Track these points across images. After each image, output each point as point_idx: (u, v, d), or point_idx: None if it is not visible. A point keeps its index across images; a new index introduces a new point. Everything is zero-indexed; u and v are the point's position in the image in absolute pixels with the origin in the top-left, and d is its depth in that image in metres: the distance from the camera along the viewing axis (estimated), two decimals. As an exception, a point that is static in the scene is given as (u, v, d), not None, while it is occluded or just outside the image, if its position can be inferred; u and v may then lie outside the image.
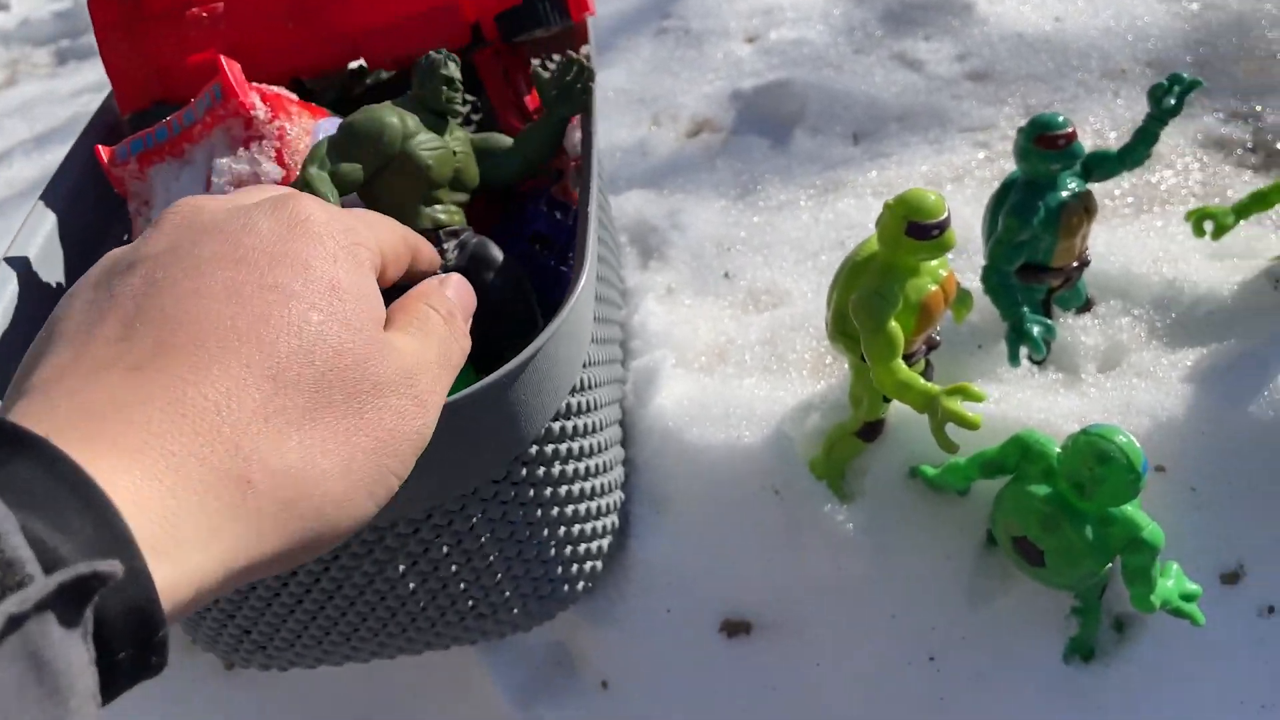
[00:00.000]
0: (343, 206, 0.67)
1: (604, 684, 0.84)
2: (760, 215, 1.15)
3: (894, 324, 0.69)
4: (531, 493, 0.70)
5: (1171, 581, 0.70)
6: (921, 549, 0.78)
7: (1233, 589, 0.77)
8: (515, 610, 0.79)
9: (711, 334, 0.95)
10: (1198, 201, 1.05)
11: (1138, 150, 0.82)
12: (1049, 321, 0.81)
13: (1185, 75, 0.79)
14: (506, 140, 0.81)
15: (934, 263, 0.73)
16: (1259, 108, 1.22)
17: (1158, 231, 0.96)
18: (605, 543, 0.82)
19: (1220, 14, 1.33)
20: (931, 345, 0.76)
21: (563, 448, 0.71)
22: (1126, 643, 0.77)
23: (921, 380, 0.67)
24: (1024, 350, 0.79)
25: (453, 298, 0.43)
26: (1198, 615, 0.70)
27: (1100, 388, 0.79)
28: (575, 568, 0.79)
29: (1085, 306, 0.89)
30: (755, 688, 0.81)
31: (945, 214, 0.68)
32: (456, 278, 0.45)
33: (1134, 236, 0.94)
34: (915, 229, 0.68)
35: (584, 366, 0.72)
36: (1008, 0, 1.37)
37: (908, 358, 0.75)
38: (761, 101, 1.35)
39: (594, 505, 0.78)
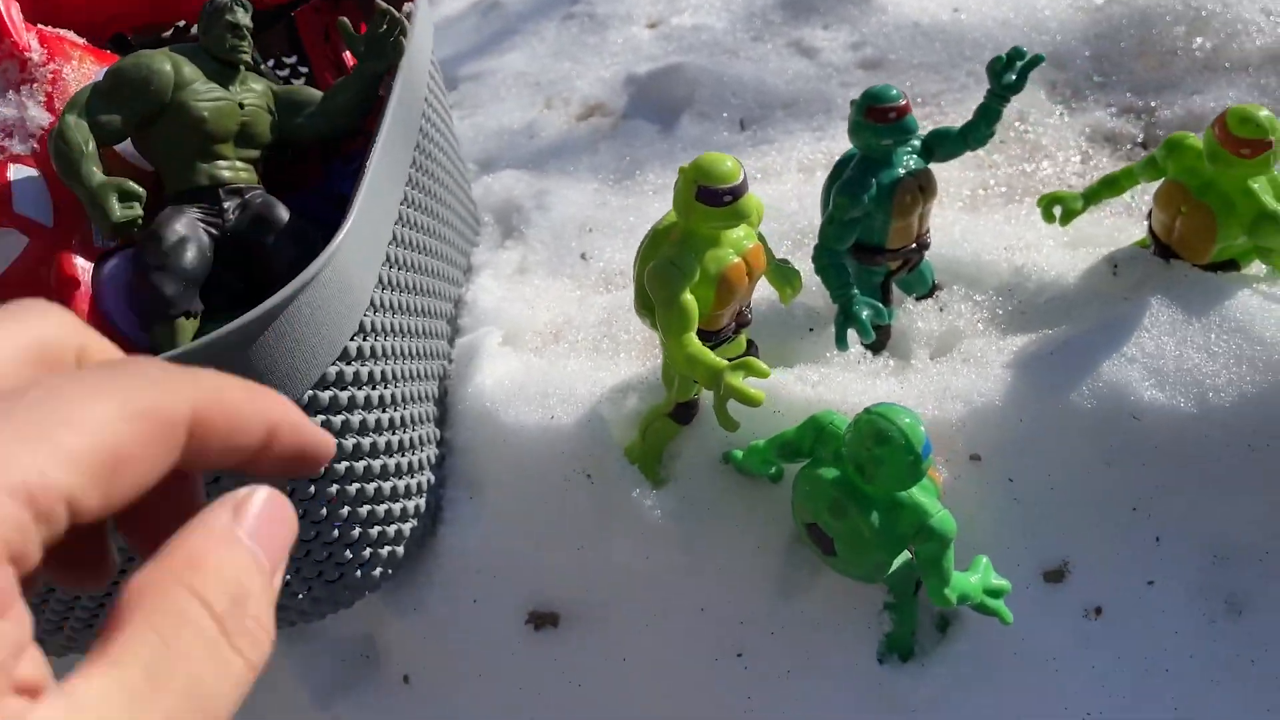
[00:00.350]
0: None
1: (405, 678, 0.79)
2: (631, 199, 1.11)
3: (688, 296, 0.65)
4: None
5: (977, 576, 0.65)
6: (732, 539, 0.73)
7: (1057, 588, 0.73)
8: (301, 596, 0.74)
9: (551, 314, 0.91)
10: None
11: (980, 128, 0.78)
12: (879, 305, 0.77)
13: (1025, 50, 0.75)
14: (315, 95, 0.76)
15: (739, 233, 0.68)
16: (1154, 104, 1.19)
17: (1020, 220, 0.92)
18: (408, 527, 0.77)
19: (1123, 8, 1.30)
20: (742, 322, 0.72)
21: (336, 420, 0.67)
22: (948, 643, 0.73)
23: (711, 355, 0.63)
24: (856, 335, 0.75)
25: (244, 560, 0.25)
26: (1004, 612, 0.66)
27: (925, 374, 0.75)
28: (370, 552, 0.74)
29: (930, 292, 0.85)
30: (560, 683, 0.77)
31: (739, 180, 0.64)
32: (262, 499, 0.26)
33: (994, 224, 0.90)
34: (705, 194, 0.64)
35: (366, 334, 0.68)
36: (912, -8, 1.33)
37: (716, 335, 0.71)
38: (654, 86, 1.32)
39: (391, 485, 0.74)
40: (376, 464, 0.72)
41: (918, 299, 0.84)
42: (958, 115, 1.15)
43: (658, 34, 1.42)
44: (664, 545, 0.74)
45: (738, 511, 0.73)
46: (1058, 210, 0.83)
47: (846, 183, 0.76)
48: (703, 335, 0.70)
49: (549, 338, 0.88)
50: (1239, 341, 0.70)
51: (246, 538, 0.26)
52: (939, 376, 0.73)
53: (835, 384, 0.73)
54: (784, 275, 0.77)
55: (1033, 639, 0.72)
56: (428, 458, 0.80)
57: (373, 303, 0.69)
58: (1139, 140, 1.15)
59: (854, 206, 0.76)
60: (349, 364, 0.67)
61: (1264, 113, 0.71)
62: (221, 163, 0.71)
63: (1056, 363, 0.71)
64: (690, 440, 0.75)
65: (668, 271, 0.65)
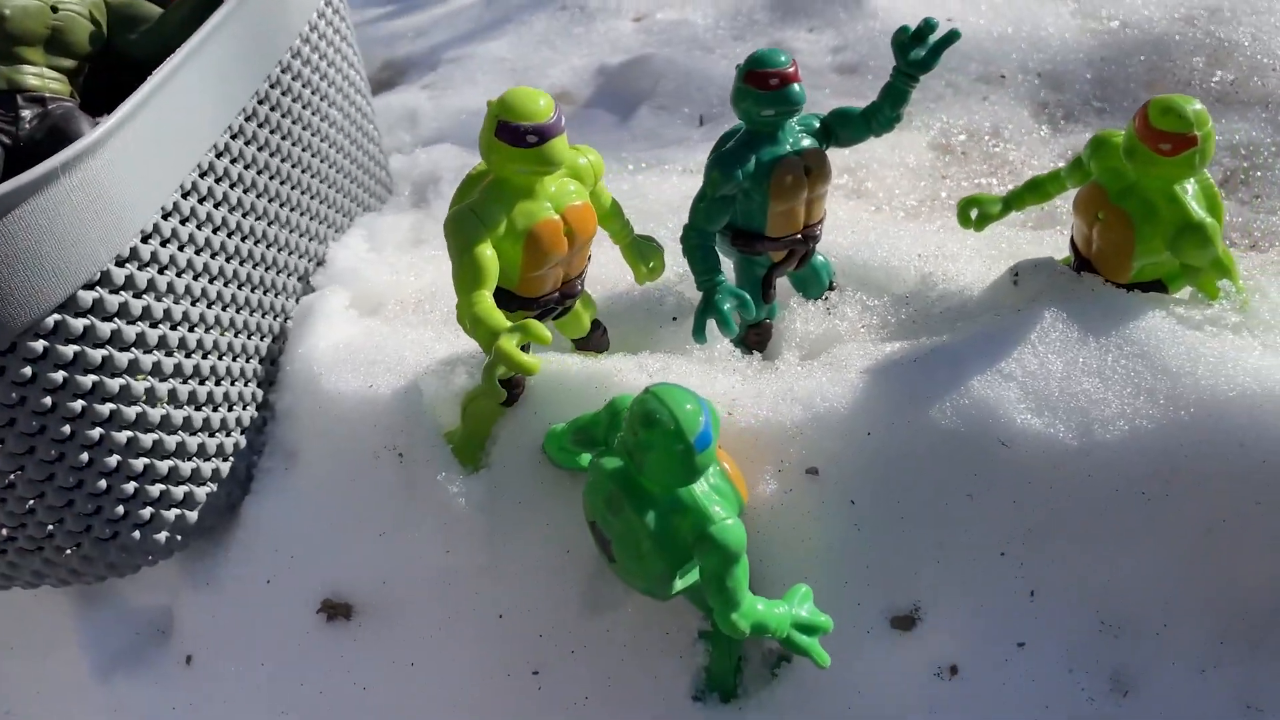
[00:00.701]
0: None
1: (188, 659, 0.72)
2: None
3: (486, 250, 0.57)
4: (50, 398, 0.59)
5: (784, 607, 0.55)
6: (541, 540, 0.65)
7: (905, 638, 0.62)
8: (68, 551, 0.67)
9: (420, 283, 0.83)
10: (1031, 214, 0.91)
11: (884, 110, 0.69)
12: (746, 296, 0.68)
13: (935, 20, 0.66)
14: (154, 11, 0.70)
15: (568, 188, 0.60)
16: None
17: (949, 230, 0.82)
18: (205, 492, 0.70)
19: (1138, 33, 1.19)
20: (569, 293, 0.63)
21: (95, 353, 0.60)
22: (775, 686, 0.63)
23: (498, 318, 0.55)
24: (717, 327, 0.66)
25: None
26: (818, 653, 0.56)
27: (775, 374, 0.65)
28: (151, 512, 0.67)
29: (824, 294, 0.76)
30: (344, 683, 0.68)
31: (548, 120, 0.56)
32: None
33: (914, 231, 0.81)
34: (506, 131, 0.56)
35: (143, 264, 0.61)
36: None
37: (535, 303, 0.62)
38: (621, 78, 1.25)
39: (179, 441, 0.67)
40: (155, 413, 0.64)
41: (811, 300, 0.75)
42: (926, 125, 1.06)
43: (640, 27, 1.35)
44: (467, 539, 0.66)
45: (550, 508, 0.65)
46: (974, 213, 0.73)
47: (721, 156, 0.68)
48: (517, 301, 0.62)
49: (409, 306, 0.81)
50: (1140, 368, 0.60)
51: None
52: (788, 377, 0.64)
53: (675, 374, 0.64)
54: (640, 251, 0.69)
55: (873, 695, 0.62)
56: (239, 419, 0.72)
57: (156, 230, 0.62)
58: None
59: (726, 182, 0.67)
60: (113, 293, 0.60)
61: (1194, 105, 0.60)
62: (27, 68, 0.65)
63: (920, 372, 0.61)
64: (511, 424, 0.66)
65: (465, 219, 0.57)
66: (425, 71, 1.45)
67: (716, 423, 0.51)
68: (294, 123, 0.78)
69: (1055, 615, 0.62)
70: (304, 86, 0.79)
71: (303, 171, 0.79)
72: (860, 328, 0.69)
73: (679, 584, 0.55)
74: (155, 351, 0.64)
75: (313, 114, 0.81)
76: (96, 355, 0.60)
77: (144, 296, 0.62)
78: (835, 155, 0.99)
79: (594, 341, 0.70)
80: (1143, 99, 1.13)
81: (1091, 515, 0.60)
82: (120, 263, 0.60)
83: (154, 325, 0.63)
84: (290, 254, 0.78)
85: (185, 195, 0.65)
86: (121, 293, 0.60)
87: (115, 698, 0.72)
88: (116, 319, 0.60)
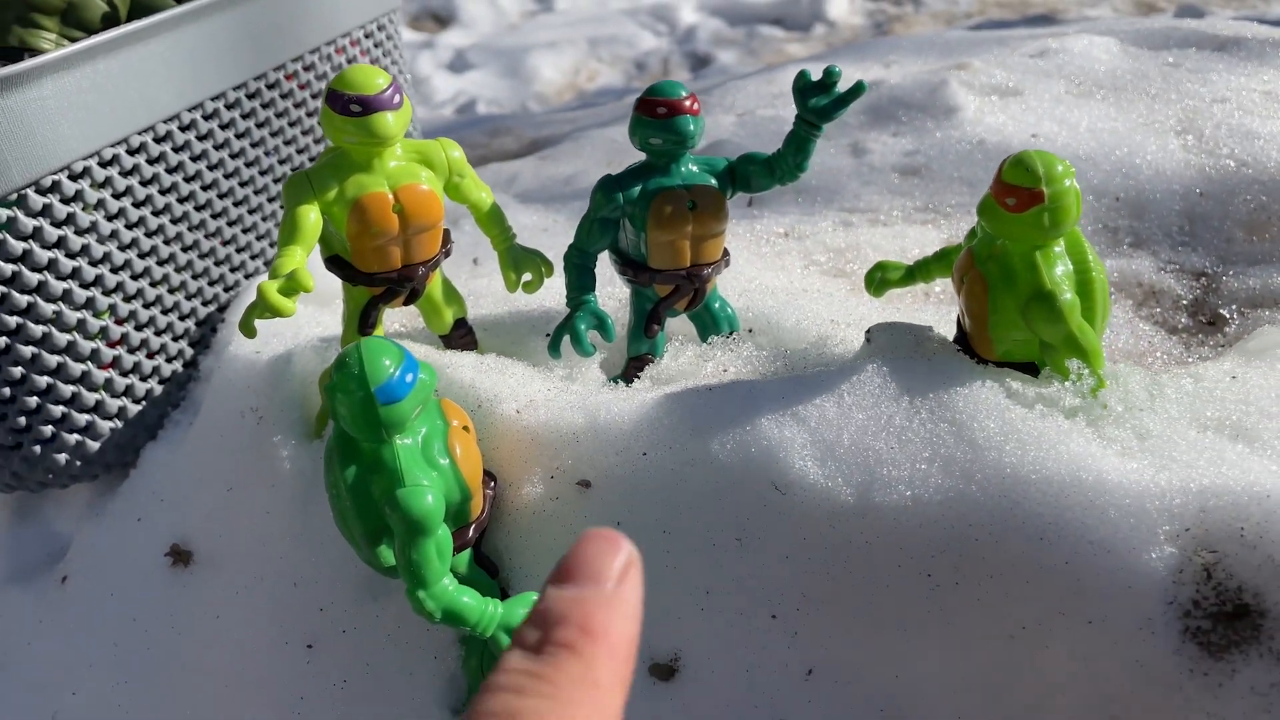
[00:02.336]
0: None
1: (64, 579, 0.77)
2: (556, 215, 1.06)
3: (310, 212, 0.61)
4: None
5: (495, 607, 0.53)
6: (344, 514, 0.65)
7: (664, 688, 0.57)
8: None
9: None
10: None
11: (786, 158, 0.68)
12: (608, 319, 0.67)
13: (838, 69, 0.65)
14: (168, 3, 0.81)
15: (406, 170, 0.63)
16: (1230, 272, 0.98)
17: (886, 305, 0.78)
18: (109, 426, 0.76)
19: (1253, 173, 1.08)
20: (408, 276, 0.65)
21: (5, 266, 0.67)
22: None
23: (283, 264, 0.58)
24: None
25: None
26: None
27: (579, 384, 0.64)
28: (52, 431, 0.74)
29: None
30: (166, 625, 0.71)
31: (374, 93, 0.59)
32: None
33: (839, 298, 0.77)
34: (332, 97, 0.60)
35: (66, 199, 0.69)
36: (1000, 113, 1.20)
37: (371, 279, 0.65)
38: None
39: (83, 370, 0.73)
40: (62, 338, 0.71)
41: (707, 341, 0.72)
42: (957, 228, 1.01)
43: (740, 121, 1.37)
44: (286, 504, 0.67)
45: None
46: (878, 278, 0.69)
47: (607, 179, 0.68)
48: (360, 276, 0.65)
49: (337, 293, 0.85)
50: (944, 435, 0.53)
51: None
52: (586, 390, 0.62)
53: (497, 376, 0.64)
54: (514, 260, 0.70)
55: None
56: (159, 370, 0.78)
57: (87, 172, 0.70)
58: (1183, 301, 0.95)
59: (607, 204, 0.68)
60: (30, 216, 0.67)
61: (1060, 166, 0.55)
62: (43, 33, 0.76)
63: (710, 402, 0.57)
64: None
65: (296, 182, 0.61)
66: (543, 145, 1.53)
67: (424, 388, 0.50)
68: (278, 116, 0.85)
69: (831, 702, 0.55)
70: (301, 93, 0.87)
71: (281, 162, 0.86)
72: (723, 370, 0.66)
73: (388, 555, 0.54)
74: (68, 281, 0.71)
75: (301, 118, 0.88)
76: (5, 269, 0.67)
77: (63, 228, 0.70)
78: (823, 234, 0.96)
79: (455, 341, 0.71)
80: (1238, 239, 1.03)
81: (873, 592, 0.54)
82: (41, 191, 0.68)
83: (71, 256, 0.71)
84: (244, 230, 0.84)
85: (133, 152, 0.73)
86: (39, 218, 0.68)
87: (3, 603, 0.78)
88: (30, 240, 0.68)
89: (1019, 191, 0.54)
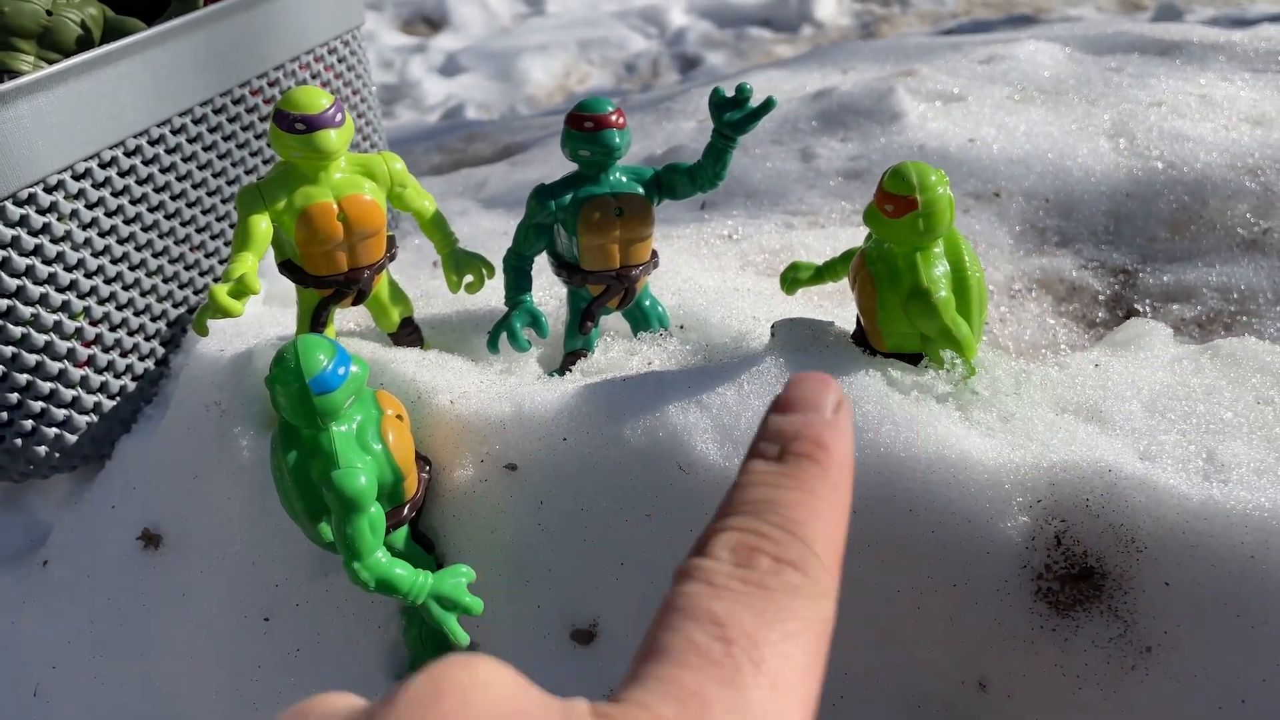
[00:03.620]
0: None
1: (45, 563, 0.82)
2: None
3: (260, 221, 0.66)
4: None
5: (425, 577, 0.58)
6: (298, 498, 0.71)
7: (583, 651, 0.63)
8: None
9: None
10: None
11: (705, 168, 0.74)
12: (542, 317, 0.73)
13: (749, 87, 0.70)
14: (140, 26, 0.86)
15: (350, 181, 0.69)
16: (1148, 269, 1.04)
17: (815, 306, 0.83)
18: (85, 420, 0.82)
19: (1178, 173, 1.14)
20: (354, 279, 0.71)
21: (-18, 271, 0.73)
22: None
23: (233, 269, 0.63)
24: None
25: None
26: (456, 630, 0.58)
27: (510, 376, 0.69)
28: (32, 425, 0.79)
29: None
30: (137, 604, 0.76)
31: (317, 112, 0.65)
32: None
33: (765, 297, 0.82)
34: (278, 117, 0.65)
35: (42, 210, 0.74)
36: (942, 118, 1.25)
37: (321, 280, 0.70)
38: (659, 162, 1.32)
39: (60, 368, 0.79)
40: (40, 338, 0.77)
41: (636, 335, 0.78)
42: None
43: (700, 127, 1.43)
44: (245, 489, 0.73)
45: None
46: (790, 276, 0.75)
47: (540, 187, 0.74)
48: (310, 278, 0.70)
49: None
50: (830, 419, 0.59)
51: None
52: (515, 381, 0.68)
53: (436, 370, 0.70)
54: (455, 263, 0.75)
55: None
56: (131, 368, 0.84)
57: (62, 185, 0.76)
58: (1100, 297, 1.01)
59: (540, 212, 0.73)
60: (8, 226, 0.73)
61: (933, 175, 0.61)
62: (20, 55, 0.82)
63: (625, 390, 0.63)
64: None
65: (248, 193, 0.67)
66: (515, 150, 1.59)
67: (355, 379, 0.56)
68: (244, 130, 0.91)
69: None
70: (267, 108, 0.93)
71: (247, 173, 0.92)
72: (648, 364, 0.72)
73: (327, 531, 0.60)
74: (45, 285, 0.77)
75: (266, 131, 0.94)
76: (-15, 272, 0.73)
77: (39, 236, 0.75)
78: (763, 235, 1.02)
79: (402, 338, 0.77)
80: (1160, 238, 1.09)
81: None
82: (18, 203, 0.74)
83: (47, 263, 0.76)
84: (212, 237, 0.90)
85: (104, 165, 0.79)
86: (16, 228, 0.74)
87: (-12, 586, 0.84)
88: (8, 249, 0.74)
89: (896, 199, 0.60)
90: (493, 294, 0.82)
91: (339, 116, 0.66)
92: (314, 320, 0.72)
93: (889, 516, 0.57)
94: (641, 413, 0.62)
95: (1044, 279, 1.02)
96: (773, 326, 0.68)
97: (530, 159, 1.54)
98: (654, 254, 0.77)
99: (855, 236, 1.02)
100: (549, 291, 0.84)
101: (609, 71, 2.64)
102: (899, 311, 0.62)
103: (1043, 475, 0.55)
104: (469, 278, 0.76)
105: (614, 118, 0.72)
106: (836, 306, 0.86)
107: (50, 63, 0.83)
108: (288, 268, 0.71)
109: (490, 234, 1.16)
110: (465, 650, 0.58)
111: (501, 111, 2.42)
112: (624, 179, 0.74)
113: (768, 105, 0.71)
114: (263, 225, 0.66)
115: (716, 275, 0.92)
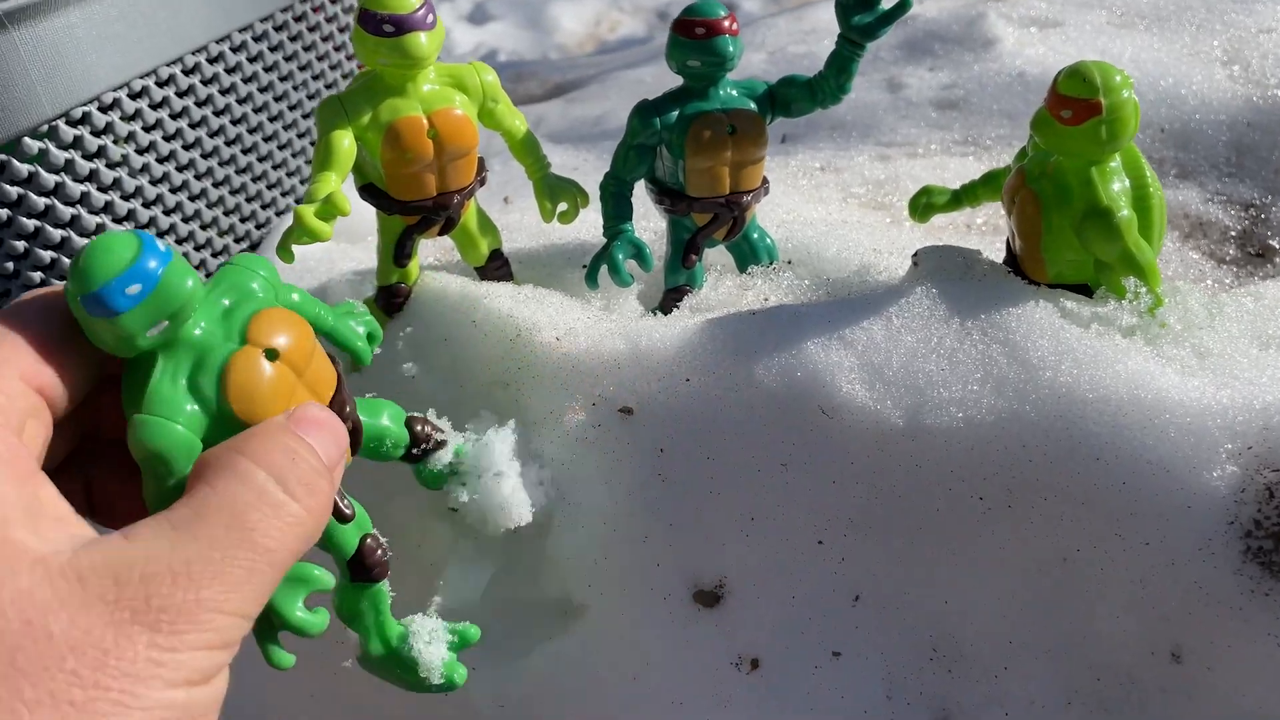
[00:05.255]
0: None
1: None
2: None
3: (343, 137, 0.59)
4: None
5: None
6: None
7: (707, 615, 0.57)
8: None
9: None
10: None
11: (828, 79, 0.66)
12: (645, 248, 0.66)
13: (884, -18, 0.63)
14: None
15: (440, 94, 0.62)
16: (1278, 205, 0.95)
17: (932, 237, 0.76)
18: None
19: (1305, 100, 1.05)
20: (443, 205, 0.64)
21: (39, 200, 0.67)
22: (564, 638, 0.59)
23: (318, 189, 0.56)
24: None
25: (293, 440, 0.35)
26: (271, 654, 0.43)
27: (618, 311, 0.63)
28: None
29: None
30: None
31: (407, 12, 0.58)
32: (310, 408, 0.38)
33: (880, 228, 0.75)
34: (364, 17, 0.58)
35: (98, 132, 0.68)
36: (1039, 44, 1.17)
37: (406, 206, 0.63)
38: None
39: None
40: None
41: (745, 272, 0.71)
42: (999, 160, 0.99)
43: (770, 59, 1.34)
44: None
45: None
46: (923, 203, 0.67)
47: (643, 104, 0.67)
48: (395, 204, 0.63)
49: (372, 228, 0.84)
50: (997, 355, 0.52)
51: (295, 427, 0.35)
52: (625, 317, 0.61)
53: (535, 306, 0.63)
54: (550, 189, 0.68)
55: (662, 671, 0.57)
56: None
57: (117, 104, 0.69)
58: (1231, 233, 0.92)
59: (644, 130, 0.66)
60: (61, 149, 0.67)
61: (1118, 76, 0.53)
62: None
63: (755, 326, 0.56)
64: (386, 338, 0.67)
65: (329, 106, 0.60)
66: (568, 89, 1.51)
67: (165, 302, 0.37)
68: (305, 50, 0.84)
69: (880, 629, 0.55)
70: (328, 26, 0.86)
71: (308, 96, 0.85)
72: (764, 300, 0.65)
73: None
74: (100, 215, 0.70)
75: (329, 51, 0.87)
76: (39, 202, 0.67)
77: (95, 160, 0.69)
78: (866, 168, 0.94)
79: (490, 272, 0.70)
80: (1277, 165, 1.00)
81: (923, 516, 0.53)
82: (71, 123, 0.67)
83: (103, 190, 0.70)
84: (274, 166, 0.83)
85: (162, 84, 0.72)
86: (70, 150, 0.67)
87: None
88: (63, 173, 0.67)
89: (1075, 103, 0.52)
90: (581, 227, 0.76)
91: (430, 18, 0.59)
92: (398, 251, 0.65)
93: (1070, 466, 0.50)
94: (775, 350, 0.55)
95: (1167, 214, 0.94)
96: (915, 255, 0.60)
97: (588, 95, 1.46)
98: (765, 180, 0.70)
99: (963, 167, 0.94)
100: (642, 224, 0.77)
101: (641, 19, 2.55)
102: (1069, 235, 0.55)
103: (1255, 418, 0.48)
104: (563, 205, 0.68)
105: (727, 23, 0.64)
106: (961, 240, 0.78)
107: (99, -28, 0.76)
108: (370, 191, 0.64)
109: (556, 169, 1.09)
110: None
111: (534, 59, 2.33)
112: (735, 94, 0.67)
113: (903, 7, 0.63)
114: (345, 142, 0.59)
115: (819, 208, 0.85)
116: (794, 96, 0.67)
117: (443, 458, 0.54)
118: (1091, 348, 0.51)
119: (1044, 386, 0.50)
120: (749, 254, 0.72)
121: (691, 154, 0.65)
